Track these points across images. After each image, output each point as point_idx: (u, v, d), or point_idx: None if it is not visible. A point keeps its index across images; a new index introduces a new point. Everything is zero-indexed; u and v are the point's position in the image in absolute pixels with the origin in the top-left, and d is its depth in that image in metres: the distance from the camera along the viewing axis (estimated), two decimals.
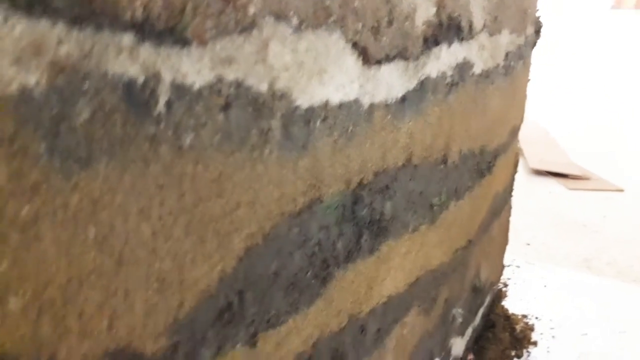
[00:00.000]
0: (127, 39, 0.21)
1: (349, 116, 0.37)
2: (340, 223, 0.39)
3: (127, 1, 0.21)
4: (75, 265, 0.22)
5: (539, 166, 2.35)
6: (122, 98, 0.22)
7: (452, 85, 0.53)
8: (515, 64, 0.75)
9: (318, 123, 0.34)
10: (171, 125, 0.24)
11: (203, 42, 0.24)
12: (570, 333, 1.01)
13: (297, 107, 0.31)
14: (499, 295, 1.04)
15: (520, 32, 0.75)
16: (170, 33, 0.23)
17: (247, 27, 0.27)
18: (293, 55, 0.30)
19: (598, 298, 1.13)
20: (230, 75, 0.27)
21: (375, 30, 0.37)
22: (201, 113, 0.26)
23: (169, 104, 0.24)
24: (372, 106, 0.39)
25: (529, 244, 1.59)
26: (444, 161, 0.56)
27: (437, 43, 0.47)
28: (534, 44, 0.85)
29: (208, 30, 0.25)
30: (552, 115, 3.27)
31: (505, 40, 0.68)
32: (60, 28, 0.19)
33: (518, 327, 1.00)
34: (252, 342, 0.33)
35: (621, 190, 2.14)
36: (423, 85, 0.46)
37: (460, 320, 0.77)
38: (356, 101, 0.37)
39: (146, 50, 0.22)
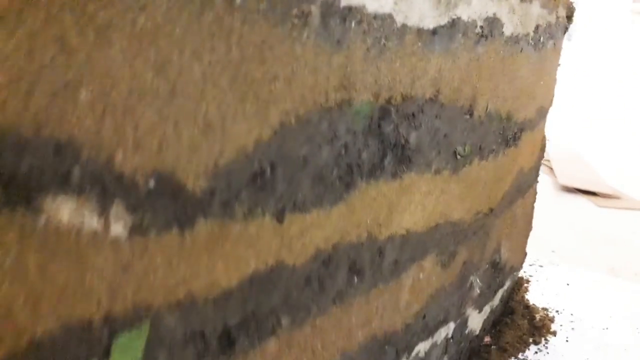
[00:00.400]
0: None
1: (382, 28, 0.40)
2: (367, 134, 0.42)
3: None
4: (137, 80, 0.25)
5: (569, 183, 2.32)
6: None
7: (482, 36, 0.55)
8: (545, 41, 0.77)
9: (353, 24, 0.37)
10: None
11: None
12: (590, 327, 1.00)
13: (335, 1, 0.34)
14: (520, 284, 1.04)
15: (552, 10, 0.77)
16: None
17: None
18: None
19: (621, 298, 1.12)
20: None
21: None
22: None
23: None
24: (404, 26, 0.42)
25: (554, 251, 1.58)
26: (470, 112, 0.58)
27: None
28: (566, 28, 0.87)
29: None
30: (582, 134, 3.24)
31: (536, 11, 0.70)
32: None
33: (537, 317, 1.00)
34: (280, 217, 0.35)
35: None
36: (454, 25, 0.49)
37: (478, 290, 0.78)
38: (390, 16, 0.40)
39: None
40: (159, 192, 0.27)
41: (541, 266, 1.27)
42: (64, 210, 0.23)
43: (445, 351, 0.74)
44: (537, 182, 0.97)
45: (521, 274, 1.23)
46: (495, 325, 0.95)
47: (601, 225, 1.88)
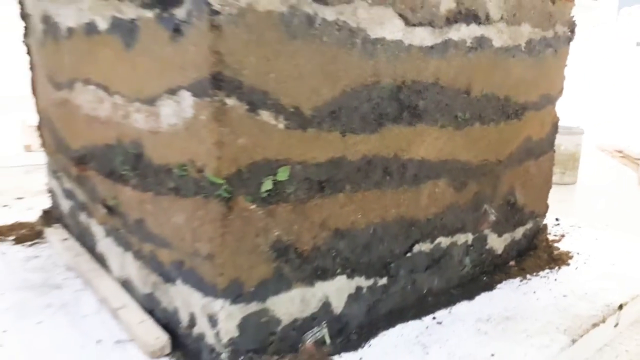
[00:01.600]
0: None
1: (396, 47, 0.82)
2: (390, 98, 0.85)
3: None
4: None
5: None
6: None
7: (472, 48, 0.95)
8: (541, 49, 1.13)
9: (379, 46, 0.80)
10: None
11: None
12: (601, 262, 1.30)
13: (369, 35, 0.78)
14: (544, 229, 1.37)
15: (547, 28, 1.13)
16: None
17: None
18: (368, 14, 0.77)
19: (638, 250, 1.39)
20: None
21: (412, 9, 0.83)
22: None
23: None
24: (410, 45, 0.84)
25: (607, 224, 1.83)
26: (467, 92, 0.98)
27: (456, 22, 0.91)
28: (569, 39, 1.21)
29: None
30: None
31: (527, 30, 1.07)
32: None
33: (556, 253, 1.32)
34: (343, 133, 0.79)
35: None
36: (446, 43, 0.90)
37: (493, 217, 1.15)
38: (400, 41, 0.83)
39: None
40: (295, 115, 0.73)
41: (579, 227, 1.57)
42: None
43: (467, 253, 1.12)
44: (553, 150, 1.31)
45: (560, 231, 1.53)
46: (520, 254, 1.30)
47: None
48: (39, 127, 1.44)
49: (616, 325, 1.05)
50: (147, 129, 0.79)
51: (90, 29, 0.85)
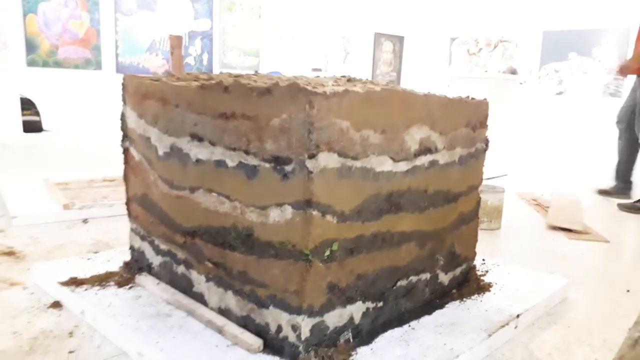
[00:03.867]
0: None
1: (388, 174, 1.51)
2: (385, 201, 1.53)
3: None
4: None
5: (553, 223, 3.30)
6: None
7: (428, 167, 1.66)
8: (467, 159, 1.86)
9: (380, 175, 1.48)
10: None
11: None
12: (510, 289, 2.01)
13: (375, 170, 1.46)
14: (473, 268, 2.08)
15: (471, 146, 1.86)
16: None
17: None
18: (375, 160, 1.45)
19: (536, 281, 2.12)
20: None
21: (397, 154, 1.52)
22: None
23: None
24: (396, 172, 1.54)
25: (518, 262, 2.58)
26: (425, 191, 1.68)
27: (419, 155, 1.61)
28: (485, 149, 1.96)
29: None
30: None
31: (459, 151, 1.80)
32: None
33: (482, 283, 2.04)
34: (362, 222, 1.46)
35: (607, 242, 3.04)
36: (414, 167, 1.60)
37: (442, 262, 1.84)
38: (391, 171, 1.52)
39: None
40: (341, 215, 1.39)
41: (498, 265, 2.30)
42: None
43: (427, 285, 1.80)
44: (478, 217, 2.04)
45: (485, 268, 2.26)
46: (459, 285, 2.00)
47: (561, 249, 2.85)
48: (128, 202, 2.02)
49: (516, 327, 1.76)
50: (258, 221, 1.43)
51: (220, 164, 1.49)
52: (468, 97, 1.92)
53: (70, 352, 1.54)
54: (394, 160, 1.53)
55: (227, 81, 1.43)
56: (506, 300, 1.90)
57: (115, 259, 2.15)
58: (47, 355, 1.51)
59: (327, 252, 1.39)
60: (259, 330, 1.50)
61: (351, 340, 1.53)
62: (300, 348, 1.41)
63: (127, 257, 2.10)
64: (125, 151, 1.97)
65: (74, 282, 1.89)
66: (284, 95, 1.31)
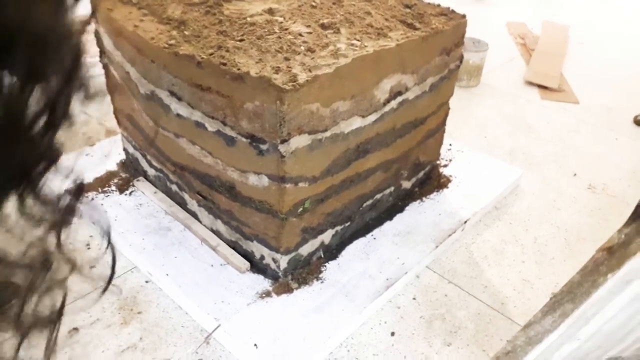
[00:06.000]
0: None
1: (357, 129, 1.63)
2: (354, 151, 1.68)
3: None
4: None
5: (530, 79, 3.39)
6: None
7: (396, 109, 1.76)
8: (439, 83, 1.93)
9: (349, 134, 1.61)
10: None
11: None
12: (466, 185, 2.29)
13: (344, 132, 1.58)
14: (436, 167, 2.32)
15: (443, 70, 1.91)
16: None
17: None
18: (344, 124, 1.56)
19: (494, 171, 2.38)
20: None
21: (366, 110, 1.62)
22: None
23: None
24: (364, 126, 1.65)
25: (485, 137, 2.80)
26: (393, 129, 1.81)
27: (389, 101, 1.70)
28: (458, 67, 2.00)
29: None
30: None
31: (430, 80, 1.86)
32: None
33: (442, 180, 2.30)
34: (332, 176, 1.64)
35: (577, 103, 3.19)
36: (383, 114, 1.70)
37: (405, 174, 2.07)
38: (360, 126, 1.63)
39: None
40: (312, 179, 1.57)
41: (463, 152, 2.52)
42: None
43: (390, 195, 2.07)
44: (444, 126, 2.19)
45: (450, 155, 2.49)
46: (421, 184, 2.26)
47: (530, 115, 3.02)
48: (116, 112, 2.13)
49: (463, 230, 2.09)
50: (239, 180, 1.61)
51: (200, 125, 1.59)
52: (447, 11, 1.89)
53: (92, 267, 1.87)
54: (363, 117, 1.64)
55: (199, 56, 1.45)
56: (459, 201, 2.18)
57: (112, 153, 2.34)
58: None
59: (300, 209, 1.62)
60: (246, 254, 1.82)
61: (322, 256, 1.86)
62: (280, 273, 1.74)
63: (121, 150, 2.28)
64: (105, 67, 2.00)
65: None
66: (256, 85, 1.37)
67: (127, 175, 2.23)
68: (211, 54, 1.45)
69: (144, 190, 2.12)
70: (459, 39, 1.91)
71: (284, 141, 1.41)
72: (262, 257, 1.75)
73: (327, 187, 1.67)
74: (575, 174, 2.52)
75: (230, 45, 1.49)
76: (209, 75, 1.45)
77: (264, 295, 1.71)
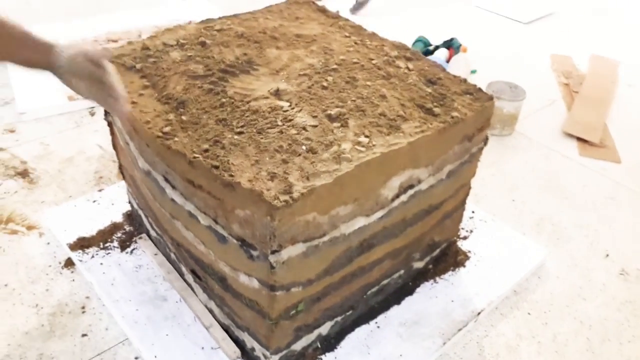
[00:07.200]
0: None
1: (360, 229, 1.51)
2: (356, 249, 1.56)
3: None
4: None
5: (569, 130, 3.16)
6: None
7: (407, 202, 1.62)
8: (458, 169, 1.77)
9: (351, 235, 1.49)
10: None
11: None
12: (484, 265, 2.13)
13: (345, 234, 1.46)
14: (454, 242, 2.16)
15: (463, 156, 1.76)
16: None
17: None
18: (345, 227, 1.44)
19: (523, 248, 2.21)
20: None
21: (372, 209, 1.49)
22: None
23: None
24: (369, 224, 1.52)
25: (513, 201, 2.61)
26: (403, 220, 1.67)
27: (399, 196, 1.57)
28: (482, 149, 1.84)
29: None
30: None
31: (448, 168, 1.71)
32: None
33: (459, 257, 2.14)
34: (331, 275, 1.53)
35: (618, 162, 2.95)
36: (391, 210, 1.57)
37: (418, 257, 1.93)
38: (363, 225, 1.51)
39: None
40: (308, 284, 1.46)
41: (486, 221, 2.36)
42: None
43: (400, 278, 1.93)
44: (464, 206, 2.03)
45: (471, 225, 2.32)
46: (436, 261, 2.11)
47: (564, 175, 2.81)
48: (121, 167, 2.07)
49: (475, 321, 1.94)
50: (230, 275, 1.52)
51: (193, 216, 1.50)
52: (474, 89, 1.73)
53: (84, 335, 1.82)
54: (367, 215, 1.51)
55: (191, 154, 1.35)
56: (476, 285, 2.03)
57: (118, 201, 2.29)
58: (63, 338, 1.79)
59: (293, 312, 1.51)
60: (238, 341, 1.73)
61: (319, 347, 1.75)
62: None
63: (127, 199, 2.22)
64: (110, 125, 1.93)
65: (82, 245, 2.07)
66: (246, 196, 1.26)
67: (131, 228, 2.17)
68: (205, 150, 1.35)
69: (145, 250, 2.06)
70: (484, 123, 1.75)
71: (274, 252, 1.31)
72: (253, 349, 1.65)
73: (325, 286, 1.56)
74: (607, 255, 2.32)
75: (227, 140, 1.39)
76: (200, 176, 1.36)
77: None
